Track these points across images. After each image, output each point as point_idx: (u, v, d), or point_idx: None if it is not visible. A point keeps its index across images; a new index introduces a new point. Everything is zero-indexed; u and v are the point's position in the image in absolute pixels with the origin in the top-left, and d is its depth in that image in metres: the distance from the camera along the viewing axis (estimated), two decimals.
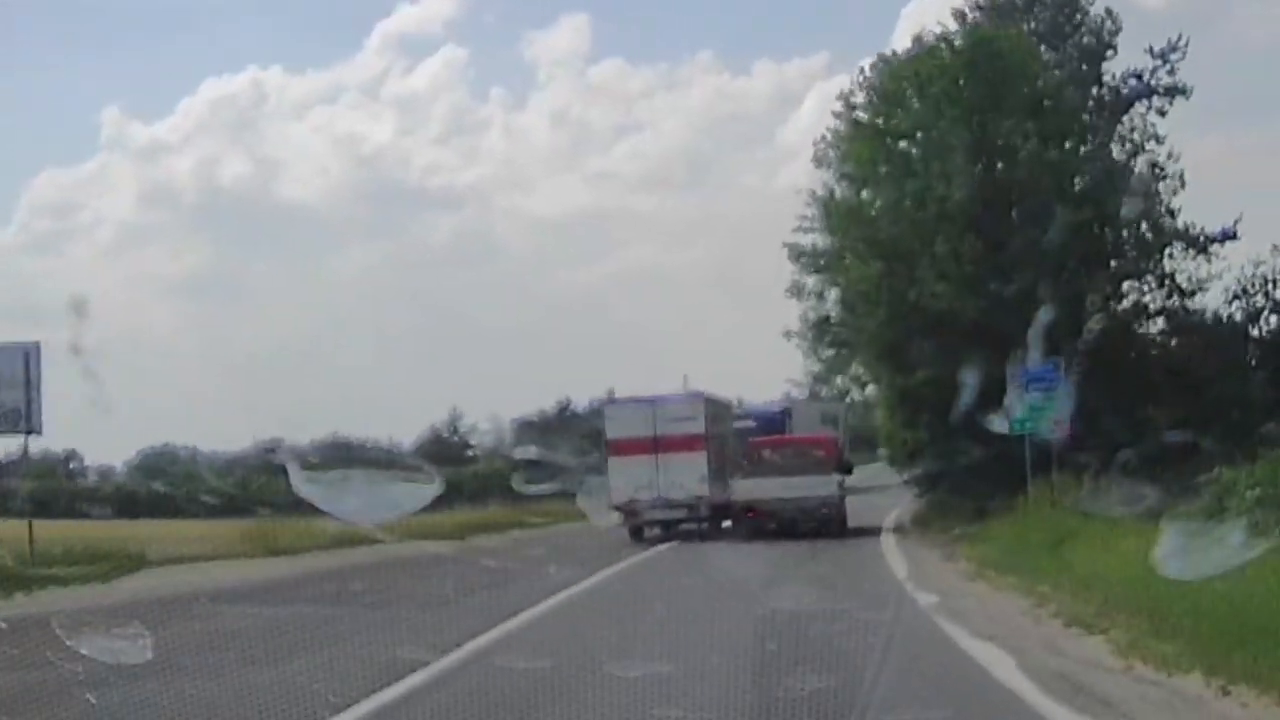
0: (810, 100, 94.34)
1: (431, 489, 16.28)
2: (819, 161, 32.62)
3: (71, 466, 56.56)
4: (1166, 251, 30.76)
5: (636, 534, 28.76)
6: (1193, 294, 30.85)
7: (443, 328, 77.96)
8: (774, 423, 37.18)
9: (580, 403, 60.74)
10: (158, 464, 50.51)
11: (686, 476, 28.11)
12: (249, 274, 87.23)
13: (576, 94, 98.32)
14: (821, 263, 33.21)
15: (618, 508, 28.58)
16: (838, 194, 32.12)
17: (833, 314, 33.55)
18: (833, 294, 33.42)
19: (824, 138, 32.59)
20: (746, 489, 27.86)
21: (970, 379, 22.45)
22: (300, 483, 14.91)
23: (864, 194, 31.72)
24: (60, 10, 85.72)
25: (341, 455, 36.23)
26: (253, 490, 33.06)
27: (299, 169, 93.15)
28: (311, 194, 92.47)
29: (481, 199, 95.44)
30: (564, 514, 34.28)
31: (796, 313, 34.05)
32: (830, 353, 34.73)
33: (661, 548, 26.43)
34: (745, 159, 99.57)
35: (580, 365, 79.59)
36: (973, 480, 27.30)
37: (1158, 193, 30.64)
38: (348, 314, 77.35)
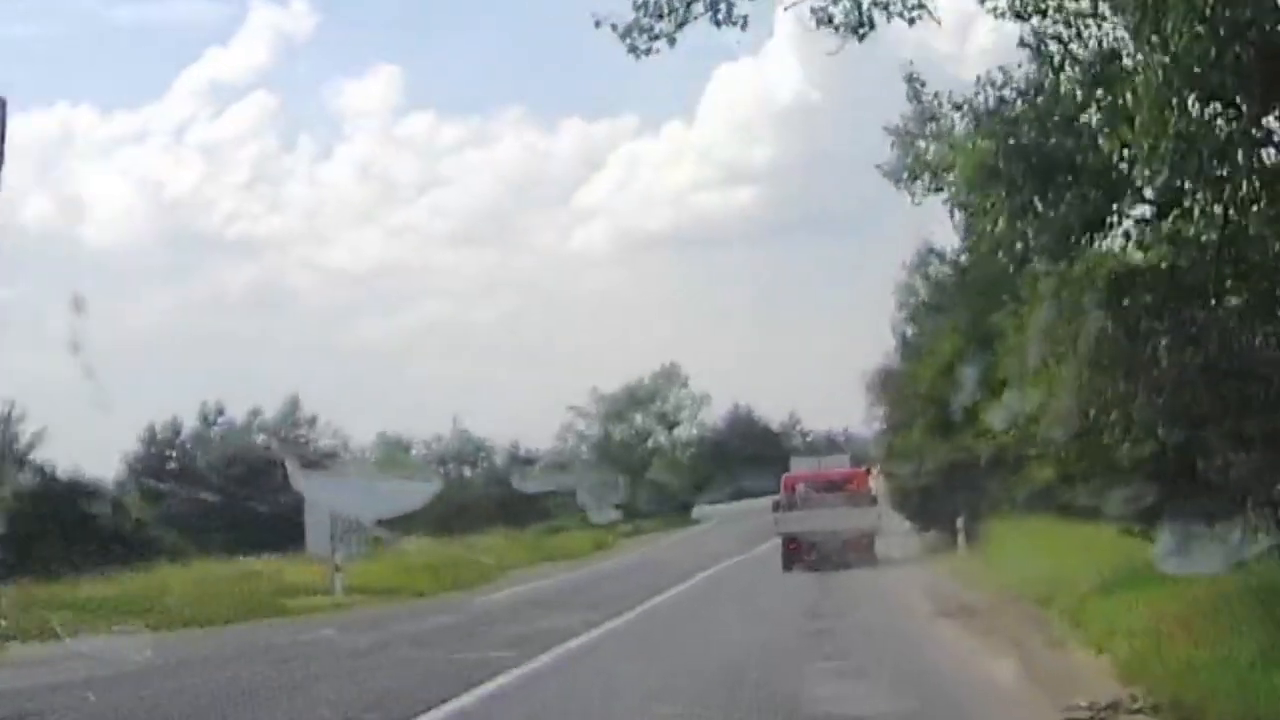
0: (613, 162, 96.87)
1: None
2: None
3: None
4: None
5: None
6: None
7: (222, 375, 70.84)
8: None
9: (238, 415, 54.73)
10: None
11: None
12: (45, 314, 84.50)
13: (385, 145, 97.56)
14: None
15: None
16: None
17: None
18: None
19: None
20: (788, 522, 29.77)
21: None
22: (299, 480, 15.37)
23: None
24: None
25: None
26: None
27: (102, 210, 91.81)
28: (113, 236, 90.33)
29: (282, 248, 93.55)
30: None
31: None
32: None
33: None
34: (544, 218, 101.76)
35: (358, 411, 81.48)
36: None
37: None
38: (133, 361, 67.68)
